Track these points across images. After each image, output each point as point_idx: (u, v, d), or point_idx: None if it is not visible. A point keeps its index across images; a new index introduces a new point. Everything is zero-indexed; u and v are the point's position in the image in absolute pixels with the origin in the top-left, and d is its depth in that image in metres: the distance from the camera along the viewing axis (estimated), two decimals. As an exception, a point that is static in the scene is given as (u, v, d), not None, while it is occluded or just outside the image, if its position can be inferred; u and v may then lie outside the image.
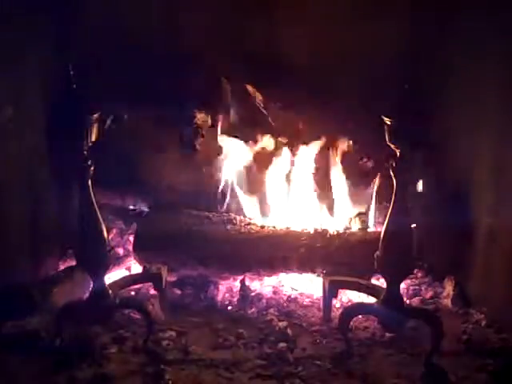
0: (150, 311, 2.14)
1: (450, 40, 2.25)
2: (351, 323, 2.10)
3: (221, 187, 2.62)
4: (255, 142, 2.62)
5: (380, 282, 2.27)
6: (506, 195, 2.12)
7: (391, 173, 1.88)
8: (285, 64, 2.49)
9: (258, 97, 2.61)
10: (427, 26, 2.30)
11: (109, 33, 2.48)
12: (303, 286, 2.46)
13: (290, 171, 2.63)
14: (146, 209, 2.71)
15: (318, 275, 2.37)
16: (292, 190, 2.63)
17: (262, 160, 2.64)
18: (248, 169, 2.65)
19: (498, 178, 2.16)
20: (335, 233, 2.44)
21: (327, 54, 2.47)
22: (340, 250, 2.38)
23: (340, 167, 2.60)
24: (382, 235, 1.96)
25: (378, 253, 1.98)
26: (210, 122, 2.63)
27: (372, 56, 2.42)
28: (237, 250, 2.37)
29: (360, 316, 2.20)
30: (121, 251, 2.60)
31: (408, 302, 2.34)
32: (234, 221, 2.48)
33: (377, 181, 2.56)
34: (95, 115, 1.84)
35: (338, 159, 2.60)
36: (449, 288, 2.39)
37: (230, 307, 2.35)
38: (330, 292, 2.20)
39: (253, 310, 2.32)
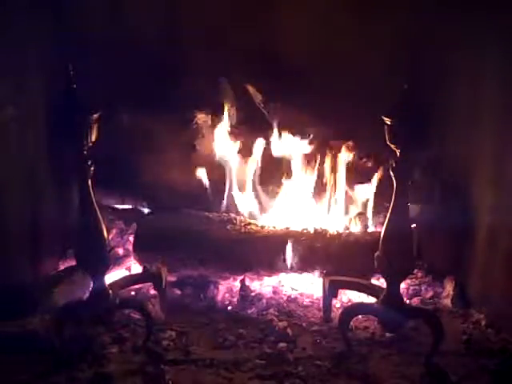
0: (150, 311, 2.14)
1: (450, 40, 2.25)
2: (351, 323, 2.10)
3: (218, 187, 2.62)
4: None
5: (380, 282, 2.27)
6: (506, 195, 2.12)
7: (391, 173, 1.88)
8: (285, 64, 2.49)
9: (258, 97, 2.61)
10: (427, 25, 2.30)
11: (109, 33, 2.49)
12: (303, 286, 2.46)
13: (290, 171, 2.63)
14: (145, 209, 2.71)
15: (318, 275, 2.37)
16: (292, 190, 2.63)
17: (262, 160, 2.65)
18: (248, 169, 2.65)
19: (498, 178, 2.16)
20: (335, 233, 2.44)
21: (327, 53, 2.47)
22: (340, 250, 2.38)
23: (340, 167, 2.60)
24: (381, 235, 1.96)
25: (378, 253, 1.98)
26: (210, 122, 2.63)
27: (372, 56, 2.42)
28: (237, 250, 2.37)
29: (360, 316, 2.20)
30: (121, 251, 2.60)
31: (408, 301, 2.34)
32: (234, 221, 2.48)
33: (377, 181, 2.56)
34: (95, 115, 1.84)
35: (338, 159, 2.60)
36: (449, 288, 2.39)
37: (229, 307, 2.35)
38: (330, 292, 2.20)
39: (253, 310, 2.32)
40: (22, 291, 2.18)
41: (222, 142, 2.62)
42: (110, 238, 2.40)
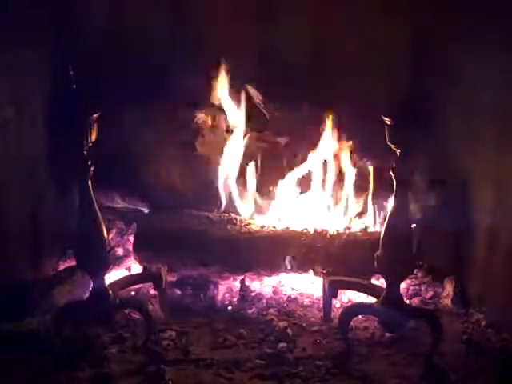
0: (150, 311, 2.14)
1: (451, 40, 2.25)
2: (351, 323, 2.10)
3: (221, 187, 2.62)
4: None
5: (380, 282, 2.27)
6: (506, 195, 2.12)
7: (391, 173, 1.88)
8: (285, 64, 2.49)
9: (258, 97, 2.61)
10: (428, 25, 2.30)
11: (109, 33, 2.49)
12: (303, 285, 2.46)
13: (290, 171, 2.63)
14: (144, 209, 2.71)
15: (318, 275, 2.37)
16: (292, 189, 2.63)
17: (262, 159, 2.65)
18: (248, 169, 2.65)
19: (498, 177, 2.16)
20: (335, 233, 2.44)
21: (327, 54, 2.47)
22: (340, 250, 2.38)
23: (340, 167, 2.60)
24: (382, 235, 1.96)
25: (378, 253, 1.98)
26: (210, 121, 2.63)
27: (372, 56, 2.42)
28: (237, 250, 2.37)
29: (360, 316, 2.20)
30: (121, 251, 2.60)
31: (408, 302, 2.34)
32: (234, 221, 2.48)
33: (377, 181, 2.56)
34: (95, 115, 1.84)
35: (338, 159, 2.61)
36: (449, 288, 2.39)
37: (230, 307, 2.35)
38: (330, 292, 2.20)
39: (253, 310, 2.32)
40: (22, 291, 2.18)
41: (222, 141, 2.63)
42: (109, 238, 2.40)
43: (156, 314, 2.21)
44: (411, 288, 2.44)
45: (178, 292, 2.40)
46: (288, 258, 2.35)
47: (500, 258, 2.17)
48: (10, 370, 1.96)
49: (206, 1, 2.53)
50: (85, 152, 1.87)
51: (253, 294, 2.39)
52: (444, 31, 2.25)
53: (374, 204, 2.58)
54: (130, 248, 2.52)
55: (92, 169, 1.89)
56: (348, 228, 2.54)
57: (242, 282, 2.41)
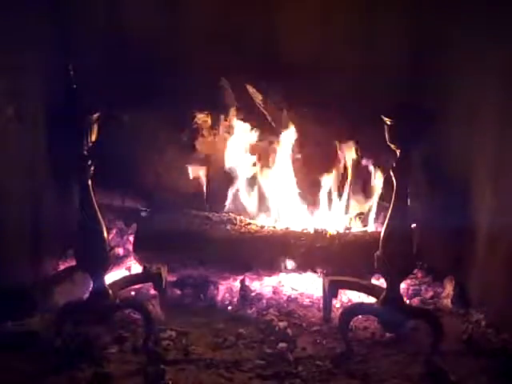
0: (150, 311, 2.14)
1: (451, 40, 2.25)
2: (351, 323, 2.10)
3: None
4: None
5: (380, 282, 2.27)
6: (506, 195, 2.12)
7: (391, 173, 1.88)
8: (285, 64, 2.49)
9: (258, 97, 2.61)
10: (428, 25, 2.30)
11: (109, 33, 2.49)
12: (303, 285, 2.46)
13: (290, 171, 2.63)
14: (145, 209, 2.71)
15: (318, 275, 2.37)
16: (292, 189, 2.63)
17: (263, 159, 2.65)
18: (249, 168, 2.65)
19: (498, 178, 2.16)
20: (335, 233, 2.44)
21: (328, 54, 2.48)
22: (340, 250, 2.38)
23: (341, 167, 2.61)
24: (381, 235, 1.96)
25: (378, 253, 1.98)
26: (209, 121, 2.64)
27: (372, 56, 2.42)
28: (237, 250, 2.37)
29: (360, 316, 2.20)
30: (121, 251, 2.60)
31: (408, 301, 2.34)
32: (234, 221, 2.48)
33: (377, 181, 2.56)
34: (95, 115, 1.84)
35: (339, 159, 2.61)
36: (449, 288, 2.39)
37: (230, 307, 2.35)
38: (330, 292, 2.20)
39: (253, 310, 2.32)
40: (22, 291, 2.18)
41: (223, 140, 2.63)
42: (110, 238, 2.40)
43: (156, 314, 2.21)
44: (411, 288, 2.44)
45: (178, 292, 2.40)
46: (288, 259, 2.36)
47: (500, 258, 2.16)
48: (10, 370, 1.96)
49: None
50: (85, 152, 1.87)
51: (253, 294, 2.39)
52: (444, 30, 2.25)
53: (374, 204, 2.59)
54: (130, 248, 2.52)
55: (92, 169, 1.90)
56: (348, 228, 2.54)
57: (242, 281, 2.41)
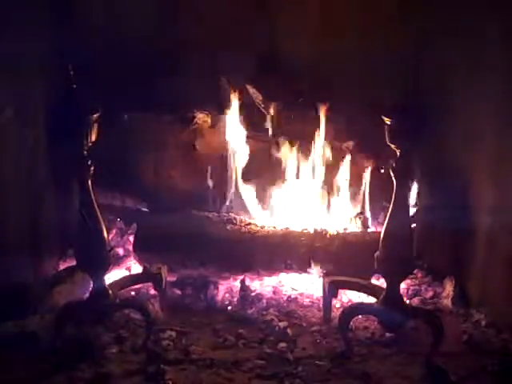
0: (150, 311, 2.14)
1: (451, 40, 2.25)
2: (351, 323, 2.10)
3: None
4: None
5: (380, 282, 2.27)
6: (506, 195, 2.12)
7: (391, 173, 1.88)
8: (285, 64, 2.49)
9: (258, 97, 2.61)
10: (428, 25, 2.30)
11: (108, 33, 2.49)
12: (303, 286, 2.46)
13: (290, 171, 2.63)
14: (144, 209, 2.71)
15: (318, 275, 2.37)
16: (292, 189, 2.63)
17: (263, 159, 2.65)
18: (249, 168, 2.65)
19: (498, 177, 2.16)
20: (335, 233, 2.44)
21: (328, 54, 2.48)
22: (340, 250, 2.38)
23: (341, 167, 2.61)
24: (381, 235, 1.96)
25: (378, 253, 1.98)
26: (209, 121, 2.64)
27: (372, 56, 2.42)
28: (237, 250, 2.37)
29: (360, 316, 2.20)
30: (121, 251, 2.60)
31: (408, 301, 2.34)
32: (234, 221, 2.48)
33: (376, 181, 2.56)
34: (95, 115, 1.84)
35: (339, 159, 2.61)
36: (449, 288, 2.39)
37: (229, 307, 2.35)
38: (330, 292, 2.20)
39: (253, 310, 2.32)
40: (22, 291, 2.18)
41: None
42: (109, 238, 2.40)
43: (156, 314, 2.21)
44: (411, 288, 2.44)
45: (178, 292, 2.40)
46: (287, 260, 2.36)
47: (500, 257, 2.16)
48: (10, 370, 1.96)
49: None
50: (85, 152, 1.87)
51: (253, 294, 2.39)
52: (444, 30, 2.25)
53: (373, 204, 2.59)
54: (130, 248, 2.52)
55: (92, 169, 1.90)
56: (348, 228, 2.54)
57: (242, 282, 2.41)
